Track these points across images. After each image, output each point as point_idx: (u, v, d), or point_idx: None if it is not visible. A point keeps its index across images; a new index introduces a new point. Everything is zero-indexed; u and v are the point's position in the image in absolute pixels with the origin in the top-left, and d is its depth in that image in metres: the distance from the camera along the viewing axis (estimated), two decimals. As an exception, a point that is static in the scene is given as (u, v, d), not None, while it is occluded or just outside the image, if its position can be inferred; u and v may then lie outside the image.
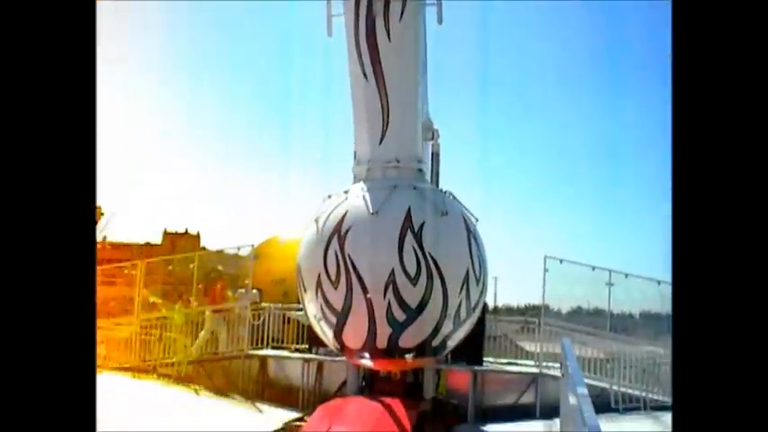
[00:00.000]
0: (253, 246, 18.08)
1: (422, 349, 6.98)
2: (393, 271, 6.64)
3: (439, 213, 6.96)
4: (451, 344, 7.36)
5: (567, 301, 17.22)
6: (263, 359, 16.68)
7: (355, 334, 6.88)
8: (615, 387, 14.16)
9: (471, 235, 7.20)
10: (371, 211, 6.84)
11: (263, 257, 18.92)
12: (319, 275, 6.91)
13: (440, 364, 14.99)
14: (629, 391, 14.29)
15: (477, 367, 15.12)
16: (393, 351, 6.86)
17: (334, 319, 6.94)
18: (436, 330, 6.87)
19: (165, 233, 48.94)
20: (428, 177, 13.95)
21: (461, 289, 6.96)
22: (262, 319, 17.25)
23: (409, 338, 6.75)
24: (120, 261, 23.08)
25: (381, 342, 6.79)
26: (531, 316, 18.92)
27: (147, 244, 42.75)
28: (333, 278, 6.83)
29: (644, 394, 14.21)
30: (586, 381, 11.53)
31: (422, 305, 6.72)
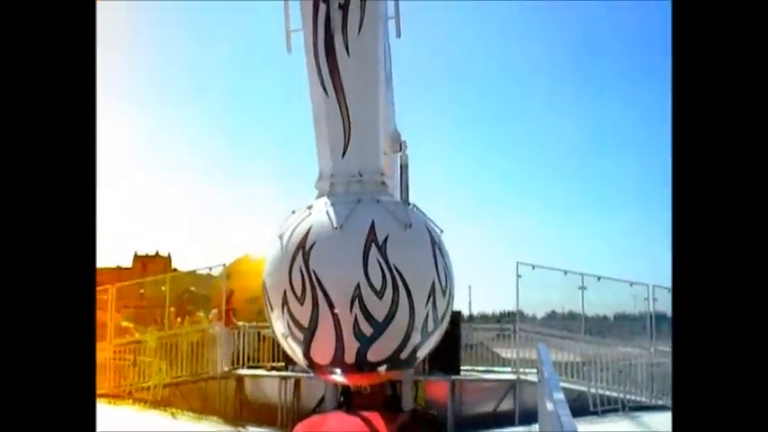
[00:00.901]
0: (225, 265, 17.94)
1: (391, 362, 6.94)
2: (359, 285, 6.63)
3: (403, 226, 6.94)
4: (420, 355, 7.35)
5: (541, 307, 17.33)
6: (240, 379, 16.55)
7: (323, 350, 6.84)
8: (593, 390, 14.22)
9: (436, 246, 7.21)
10: (335, 225, 6.84)
11: (235, 276, 18.80)
12: (285, 292, 6.88)
13: (417, 375, 15.00)
14: (607, 392, 14.35)
15: (454, 377, 15.13)
16: (362, 365, 6.82)
17: (301, 336, 6.90)
18: (404, 342, 6.85)
19: (136, 256, 48.64)
20: (397, 189, 14.03)
21: (428, 300, 6.96)
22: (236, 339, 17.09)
23: (377, 352, 6.73)
24: (91, 286, 22.76)
25: (350, 357, 6.76)
26: (506, 323, 19.00)
27: (118, 267, 42.39)
28: (299, 294, 6.80)
29: (621, 395, 14.28)
30: (564, 385, 11.59)
31: (388, 318, 6.71)
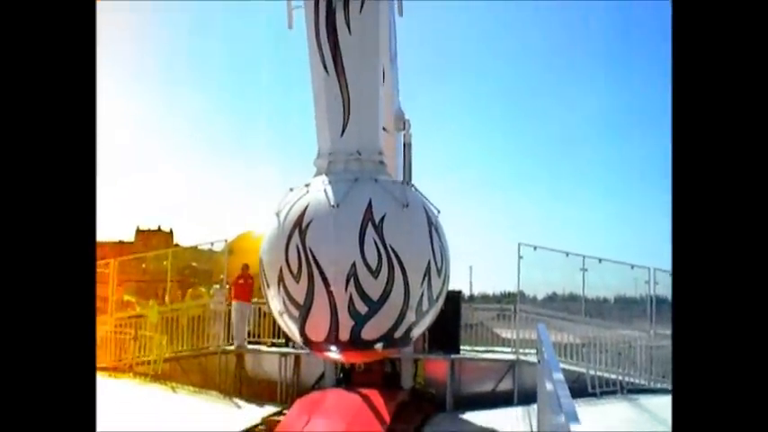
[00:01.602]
0: (227, 241, 17.97)
1: (385, 340, 6.98)
2: (354, 264, 6.64)
3: (400, 205, 6.93)
4: (415, 334, 7.37)
5: (542, 288, 17.36)
6: (240, 354, 16.60)
7: (318, 327, 6.86)
8: (592, 371, 14.26)
9: (433, 226, 7.20)
10: (332, 203, 6.82)
11: (237, 252, 18.82)
12: (281, 269, 6.89)
13: (417, 354, 15.07)
14: (606, 374, 14.40)
15: (454, 356, 15.19)
16: (356, 343, 6.85)
17: (296, 313, 6.92)
18: (399, 321, 6.87)
19: (138, 231, 48.69)
20: (400, 168, 14.01)
21: (423, 280, 6.97)
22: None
23: (372, 330, 6.75)
24: (93, 260, 22.80)
25: (344, 334, 6.78)
26: (506, 303, 19.04)
27: (120, 242, 42.45)
28: (294, 272, 6.80)
29: (620, 378, 14.33)
30: (563, 366, 11.61)
31: (383, 297, 6.72)
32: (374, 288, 6.77)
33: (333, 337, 6.91)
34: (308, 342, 7.27)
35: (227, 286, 17.61)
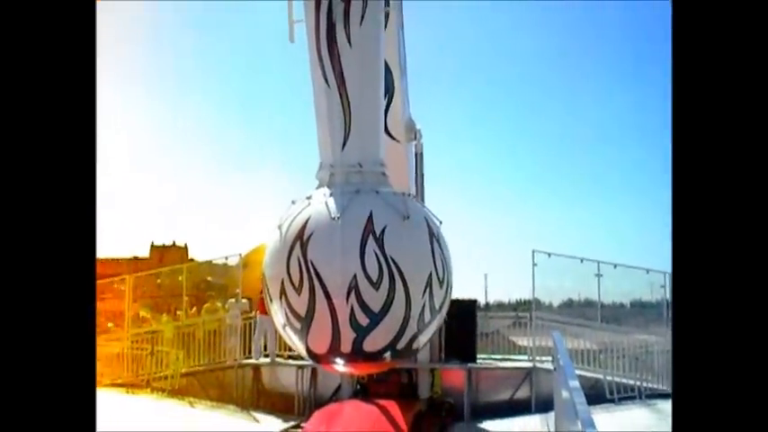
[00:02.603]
0: (241, 255, 18.01)
1: (387, 352, 7.00)
2: (355, 276, 6.64)
3: (401, 217, 6.96)
4: (417, 345, 7.35)
5: (557, 294, 17.36)
6: (257, 368, 16.62)
7: (320, 339, 6.87)
8: (609, 377, 14.21)
9: (434, 237, 7.19)
10: (333, 216, 6.85)
11: (252, 266, 18.86)
12: (283, 282, 6.90)
13: (434, 364, 15.06)
14: (623, 380, 14.33)
15: (470, 365, 15.14)
16: (358, 354, 6.88)
17: (298, 325, 6.93)
18: (400, 333, 6.86)
19: (153, 246, 48.85)
20: (412, 178, 14.02)
21: (425, 291, 6.95)
22: (253, 327, 17.16)
23: (373, 342, 6.74)
24: (108, 276, 22.98)
25: (346, 346, 6.77)
26: (522, 311, 19.02)
27: (135, 258, 42.62)
28: (296, 284, 6.81)
29: (638, 383, 14.25)
30: (580, 372, 11.58)
31: (385, 309, 6.71)
32: (375, 300, 6.77)
33: (335, 350, 6.91)
34: (311, 354, 7.29)
35: (243, 300, 17.64)
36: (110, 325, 20.27)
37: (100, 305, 23.01)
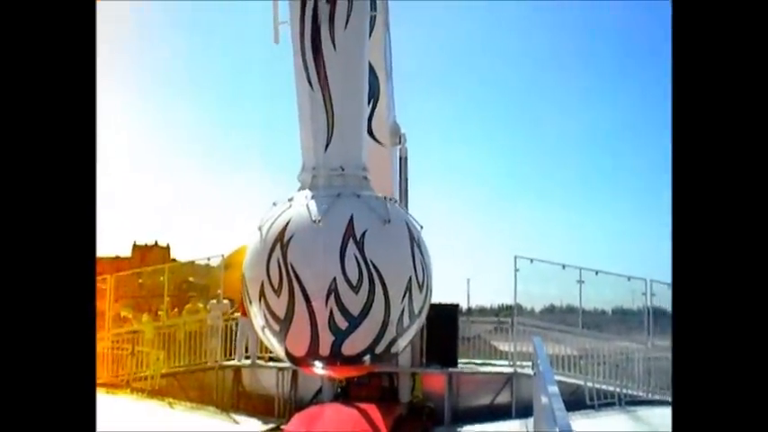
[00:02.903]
0: (223, 255, 17.96)
1: (365, 356, 7.02)
2: (335, 279, 6.65)
3: (382, 221, 6.98)
4: (395, 350, 7.37)
5: (539, 300, 17.42)
6: (237, 369, 16.57)
7: (298, 342, 6.86)
8: (590, 383, 14.26)
9: (415, 242, 7.20)
10: (314, 219, 6.86)
11: (234, 267, 18.81)
12: (262, 284, 6.89)
13: (415, 368, 15.07)
14: (604, 386, 14.40)
15: (451, 369, 15.15)
16: (336, 358, 6.90)
17: (277, 328, 6.92)
18: (379, 337, 6.87)
19: (135, 246, 48.73)
20: (396, 182, 14.03)
21: (404, 296, 6.95)
22: (234, 329, 17.11)
23: (352, 345, 6.74)
24: (90, 275, 22.77)
25: (324, 349, 6.77)
26: (504, 316, 19.07)
27: (117, 257, 42.43)
28: (275, 287, 6.80)
29: (618, 390, 14.33)
30: (561, 378, 11.63)
31: (364, 312, 6.71)
32: (354, 303, 6.76)
33: (313, 352, 6.90)
34: (289, 357, 7.29)
35: (225, 301, 17.59)
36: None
37: (80, 304, 22.93)
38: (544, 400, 6.52)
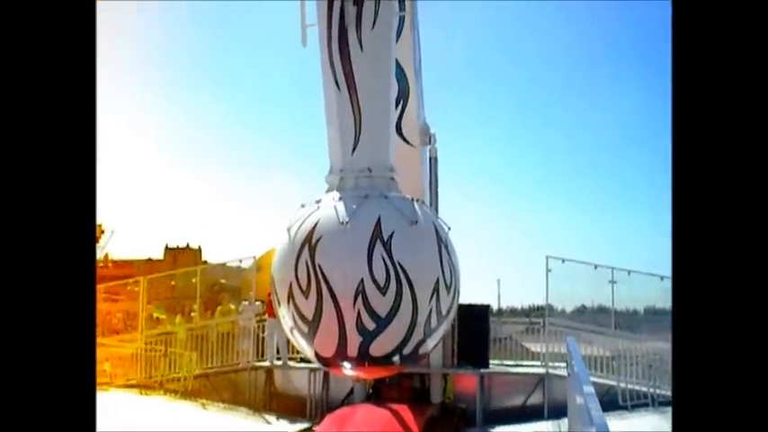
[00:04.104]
0: (255, 257, 18.06)
1: (394, 357, 7.03)
2: (362, 280, 6.67)
3: (409, 222, 6.98)
4: (424, 351, 7.38)
5: (570, 301, 17.29)
6: (269, 370, 16.66)
7: (327, 343, 6.90)
8: (622, 384, 14.16)
9: (442, 243, 7.20)
10: (341, 220, 6.88)
11: (265, 269, 18.91)
12: (291, 285, 6.93)
13: (446, 369, 15.06)
14: (637, 387, 14.29)
15: (483, 370, 15.12)
16: (365, 358, 6.92)
17: (306, 329, 6.96)
18: (407, 338, 6.88)
19: (167, 248, 49.00)
20: (426, 182, 14.02)
21: (431, 297, 6.95)
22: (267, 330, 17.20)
23: (380, 346, 6.77)
24: (123, 278, 23.07)
25: (352, 350, 6.80)
26: (535, 316, 18.98)
27: (149, 260, 42.81)
28: (304, 288, 6.85)
29: (651, 390, 14.20)
30: (593, 379, 11.53)
31: (391, 313, 6.73)
32: (382, 305, 6.79)
33: (341, 354, 6.93)
34: (318, 358, 7.32)
35: (256, 303, 17.68)
36: (123, 325, 20.38)
37: (114, 306, 23.23)
38: (579, 400, 6.48)
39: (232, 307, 19.22)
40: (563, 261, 15.43)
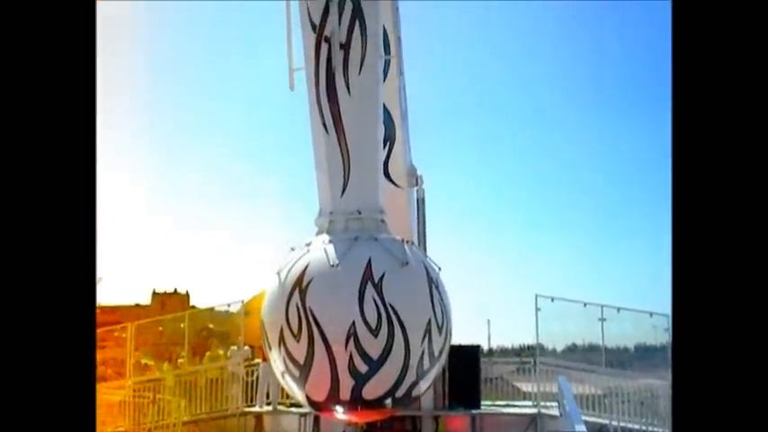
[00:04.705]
0: (243, 301, 17.99)
1: (386, 399, 6.99)
2: (354, 323, 6.66)
3: (399, 264, 7.00)
4: (417, 393, 7.34)
5: (561, 339, 17.32)
6: (259, 416, 16.50)
7: (319, 387, 6.85)
8: (614, 422, 14.08)
9: (433, 284, 7.21)
10: (332, 263, 6.90)
11: (254, 313, 18.83)
12: (282, 329, 6.90)
13: (437, 410, 14.97)
14: (629, 425, 14.21)
15: (474, 411, 15.06)
16: (357, 402, 6.88)
17: (297, 373, 6.92)
18: (400, 380, 6.86)
19: (154, 293, 48.62)
20: (414, 223, 14.07)
21: (423, 339, 6.95)
22: (255, 375, 17.07)
23: (373, 389, 6.73)
24: (110, 324, 22.88)
25: (345, 394, 6.75)
26: (525, 356, 18.95)
27: (137, 305, 42.42)
28: (295, 331, 6.81)
29: (643, 428, 14.14)
30: (585, 417, 11.51)
31: (383, 356, 6.71)
32: (374, 347, 6.76)
33: (334, 397, 6.88)
34: (310, 402, 7.27)
35: (245, 347, 17.57)
36: (111, 372, 20.16)
37: (101, 353, 22.90)
38: (572, 439, 6.48)
39: (221, 352, 19.10)
40: (552, 300, 15.45)
